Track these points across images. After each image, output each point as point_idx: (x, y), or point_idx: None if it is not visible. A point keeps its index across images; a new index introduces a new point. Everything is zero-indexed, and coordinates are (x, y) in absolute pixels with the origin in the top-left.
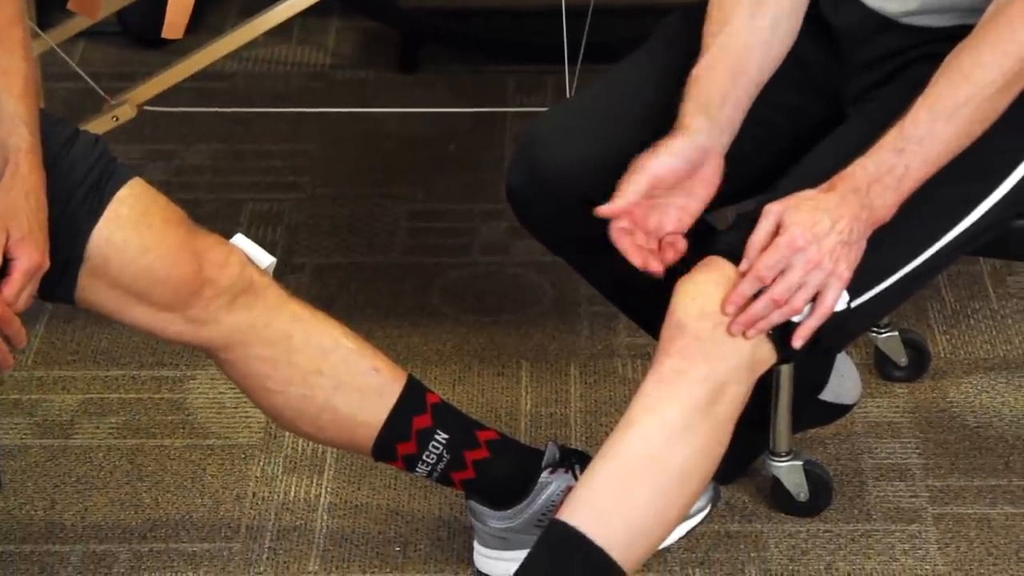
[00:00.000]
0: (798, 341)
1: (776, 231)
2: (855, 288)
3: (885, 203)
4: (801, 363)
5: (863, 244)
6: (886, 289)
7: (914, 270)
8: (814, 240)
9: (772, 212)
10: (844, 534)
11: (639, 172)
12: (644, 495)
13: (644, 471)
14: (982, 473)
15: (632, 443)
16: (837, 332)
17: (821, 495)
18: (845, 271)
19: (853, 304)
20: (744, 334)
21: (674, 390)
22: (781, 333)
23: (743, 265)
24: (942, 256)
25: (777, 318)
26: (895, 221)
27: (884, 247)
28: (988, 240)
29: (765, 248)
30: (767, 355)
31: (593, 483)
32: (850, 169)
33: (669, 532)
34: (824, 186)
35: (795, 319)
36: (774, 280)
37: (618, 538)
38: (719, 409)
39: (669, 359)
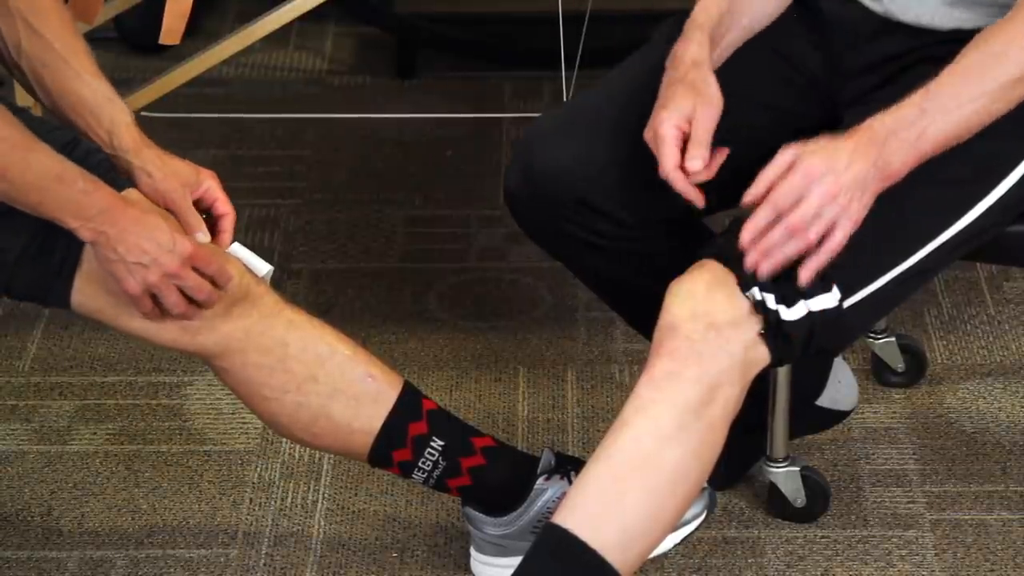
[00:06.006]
0: (806, 273)
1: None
2: (847, 287)
3: (900, 159)
4: (797, 366)
5: (871, 199)
6: (879, 290)
7: (906, 271)
8: (831, 172)
9: (788, 151)
10: (841, 540)
11: (704, 136)
12: (636, 497)
13: (636, 473)
14: (979, 479)
15: (624, 445)
16: (830, 333)
17: (818, 501)
18: (856, 211)
19: (845, 304)
20: (760, 269)
21: (666, 392)
22: (775, 334)
23: (748, 197)
24: (935, 258)
25: (791, 250)
26: (888, 220)
27: (877, 246)
28: (982, 244)
29: (775, 183)
30: (760, 356)
31: (586, 486)
32: (868, 122)
33: (664, 534)
34: (841, 136)
35: (787, 318)
36: (790, 210)
37: (612, 541)
38: (712, 411)
39: (661, 361)
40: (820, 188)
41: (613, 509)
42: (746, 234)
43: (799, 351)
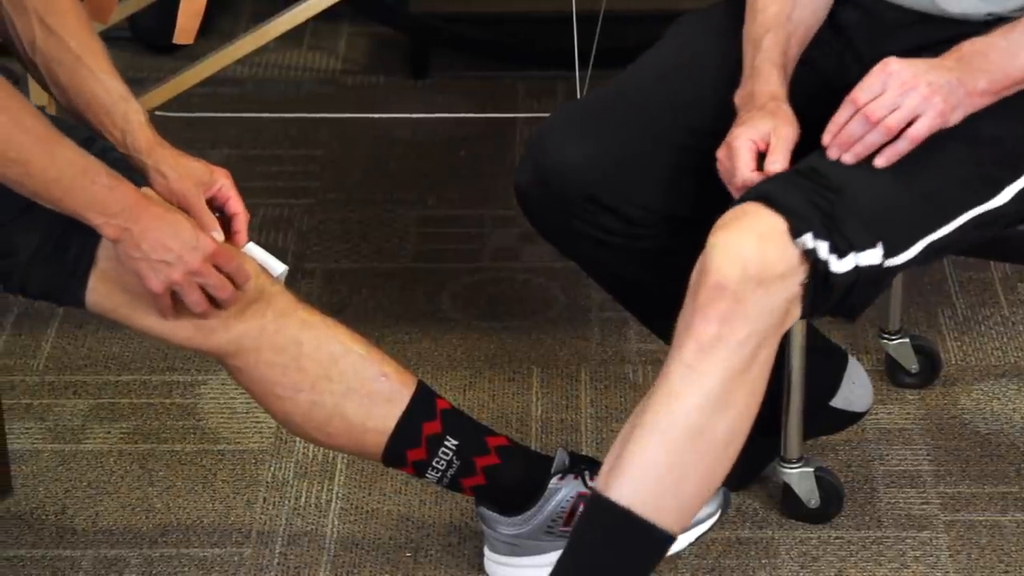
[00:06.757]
0: (881, 160)
1: None
2: (890, 247)
3: (987, 79)
4: (811, 367)
5: (962, 113)
6: (915, 256)
7: (940, 240)
8: (911, 68)
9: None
10: (855, 541)
11: (785, 145)
12: (692, 468)
13: (690, 445)
14: (993, 480)
15: (677, 419)
16: (865, 291)
17: (832, 502)
18: (940, 103)
19: (887, 264)
20: (843, 159)
21: (714, 358)
22: (818, 286)
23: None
24: (962, 231)
25: (873, 138)
26: (929, 188)
27: (918, 211)
28: (1001, 230)
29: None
30: (795, 312)
31: (638, 458)
32: (959, 44)
33: (713, 493)
34: None
35: (835, 270)
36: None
37: (671, 514)
38: (755, 369)
39: (708, 324)
40: (898, 79)
41: (670, 484)
42: (826, 135)
43: (832, 307)
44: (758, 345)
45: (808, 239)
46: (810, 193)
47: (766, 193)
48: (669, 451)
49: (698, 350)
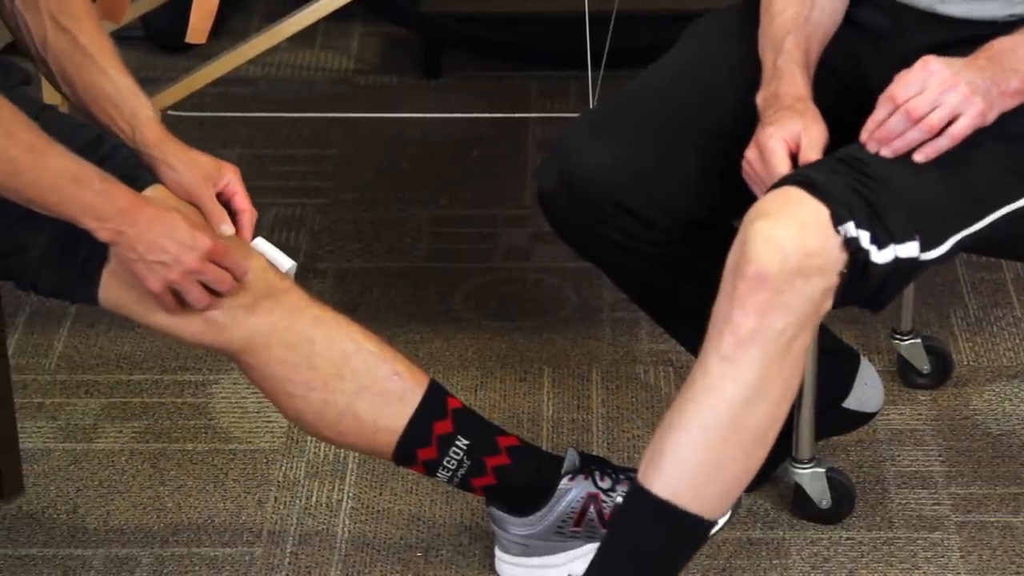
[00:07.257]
0: (920, 156)
1: None
2: (926, 242)
3: (1019, 77)
4: (824, 369)
5: (995, 114)
6: (947, 252)
7: (970, 236)
8: (949, 67)
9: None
10: (866, 542)
11: (818, 144)
12: (731, 460)
13: (730, 438)
14: (1005, 481)
15: (715, 411)
16: (897, 283)
17: (843, 502)
18: (980, 103)
19: (922, 257)
20: (881, 152)
21: (752, 351)
22: (856, 276)
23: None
24: (992, 228)
25: (914, 135)
26: (964, 182)
27: (960, 203)
28: (1018, 230)
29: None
30: (828, 303)
31: (680, 453)
32: (989, 43)
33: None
34: None
35: (875, 260)
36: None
37: (711, 502)
38: (791, 360)
39: (747, 317)
40: (939, 77)
41: (710, 475)
42: (864, 132)
43: (863, 297)
44: (793, 336)
45: (850, 227)
46: (852, 180)
47: (808, 178)
48: (708, 444)
49: (736, 343)
